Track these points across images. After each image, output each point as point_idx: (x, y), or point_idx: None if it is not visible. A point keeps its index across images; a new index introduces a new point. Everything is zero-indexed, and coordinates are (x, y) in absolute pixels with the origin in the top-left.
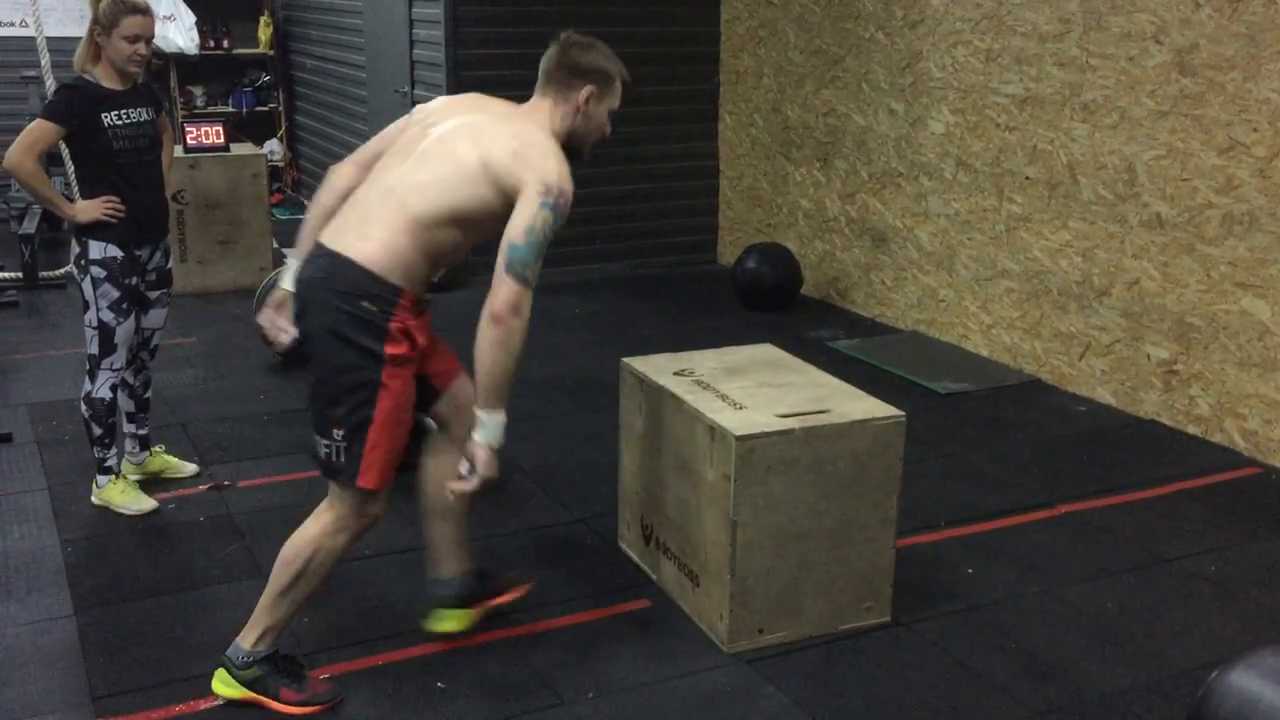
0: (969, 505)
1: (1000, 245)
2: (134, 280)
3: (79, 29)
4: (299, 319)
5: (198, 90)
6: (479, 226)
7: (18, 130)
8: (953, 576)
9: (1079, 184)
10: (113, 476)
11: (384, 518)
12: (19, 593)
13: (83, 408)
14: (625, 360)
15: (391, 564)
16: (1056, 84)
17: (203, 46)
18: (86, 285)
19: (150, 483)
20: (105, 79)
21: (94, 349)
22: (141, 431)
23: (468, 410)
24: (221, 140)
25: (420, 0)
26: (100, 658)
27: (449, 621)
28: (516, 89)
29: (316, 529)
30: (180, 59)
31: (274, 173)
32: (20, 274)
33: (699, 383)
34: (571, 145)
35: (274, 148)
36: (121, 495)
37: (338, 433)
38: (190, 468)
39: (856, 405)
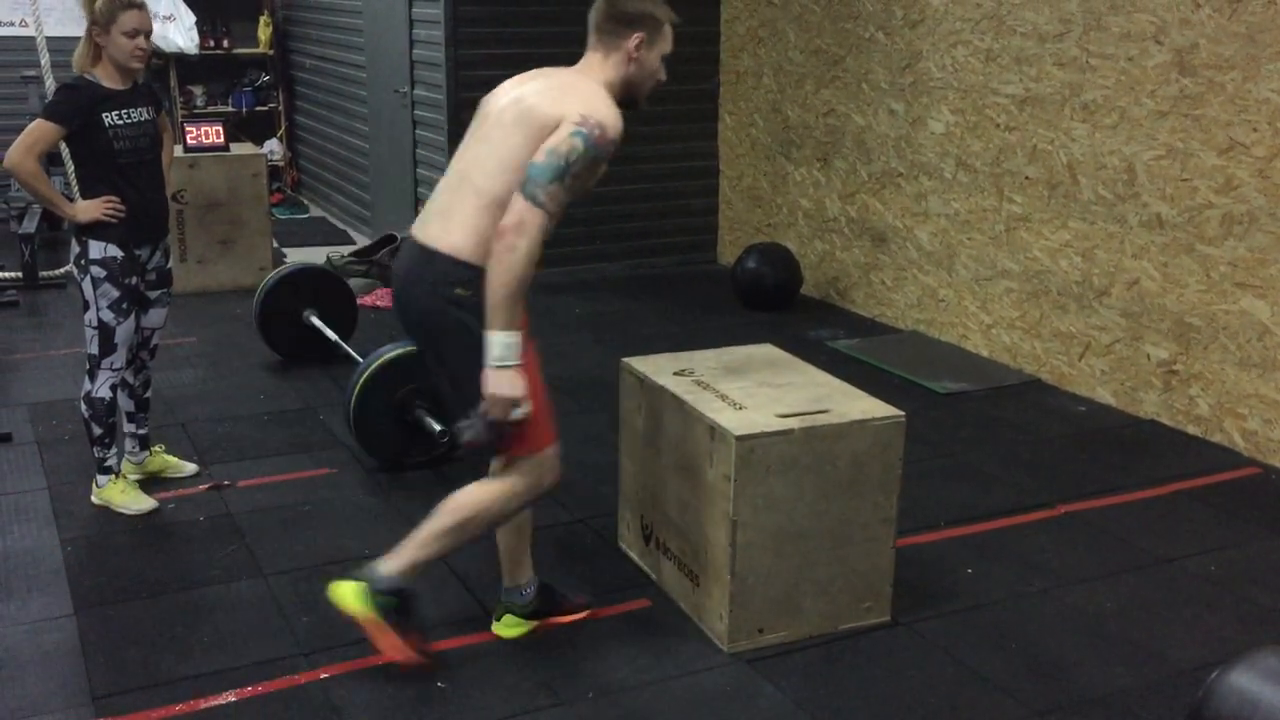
0: (969, 505)
1: (1000, 245)
2: (134, 280)
3: (79, 29)
4: (402, 314)
5: (197, 90)
6: None
7: (18, 130)
8: (952, 576)
9: (1079, 184)
10: (113, 476)
11: (559, 485)
12: (19, 592)
13: (83, 407)
14: (625, 360)
15: None
16: (1056, 84)
17: (202, 46)
18: (86, 285)
19: (150, 482)
20: (106, 79)
21: (94, 349)
22: (141, 431)
23: None
24: (221, 140)
25: (420, 0)
26: (100, 658)
27: (515, 628)
28: None
29: (497, 487)
30: (180, 59)
31: (274, 172)
32: (20, 274)
33: (699, 382)
34: (628, 98)
35: (274, 147)
36: (121, 495)
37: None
38: (190, 467)
39: (856, 405)
